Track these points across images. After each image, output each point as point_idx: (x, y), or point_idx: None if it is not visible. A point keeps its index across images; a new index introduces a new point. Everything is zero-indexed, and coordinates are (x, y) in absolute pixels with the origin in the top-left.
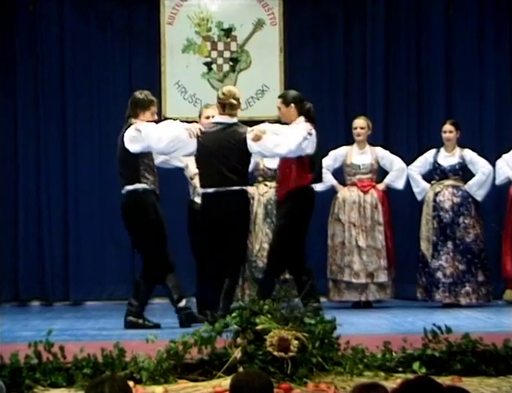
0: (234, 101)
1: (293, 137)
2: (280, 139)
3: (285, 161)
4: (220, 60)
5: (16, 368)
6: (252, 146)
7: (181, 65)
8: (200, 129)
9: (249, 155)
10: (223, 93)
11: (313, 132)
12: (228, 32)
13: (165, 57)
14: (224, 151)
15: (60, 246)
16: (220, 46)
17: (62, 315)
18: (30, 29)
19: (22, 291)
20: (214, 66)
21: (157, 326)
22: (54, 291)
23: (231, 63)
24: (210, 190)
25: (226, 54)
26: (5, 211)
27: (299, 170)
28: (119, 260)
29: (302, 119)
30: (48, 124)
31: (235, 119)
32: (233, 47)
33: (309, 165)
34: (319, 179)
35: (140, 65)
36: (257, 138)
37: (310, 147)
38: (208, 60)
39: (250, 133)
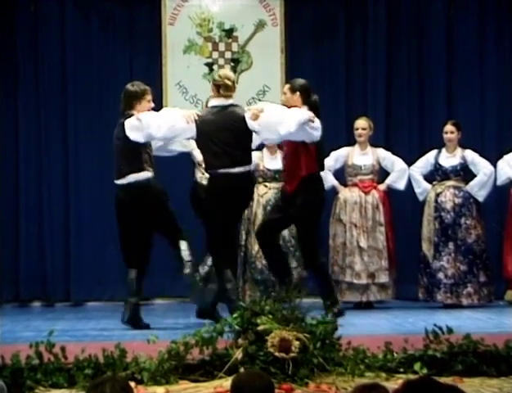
0: (228, 82)
1: (293, 117)
2: (280, 118)
3: (291, 150)
4: (221, 61)
5: (17, 369)
6: (251, 124)
7: (182, 66)
8: (197, 114)
9: (249, 133)
10: (219, 75)
11: (316, 120)
12: (229, 32)
13: (166, 58)
14: (224, 134)
15: (61, 246)
16: (221, 46)
17: (63, 316)
18: (31, 28)
19: (23, 291)
20: (215, 67)
21: (147, 326)
22: (55, 292)
23: (232, 64)
24: (215, 172)
25: (228, 55)
26: (6, 212)
27: (308, 158)
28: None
29: (305, 108)
30: (49, 124)
31: (230, 101)
32: (234, 47)
33: (316, 154)
34: (322, 167)
35: (141, 65)
36: (255, 117)
37: (314, 135)
38: (210, 60)
39: (248, 111)
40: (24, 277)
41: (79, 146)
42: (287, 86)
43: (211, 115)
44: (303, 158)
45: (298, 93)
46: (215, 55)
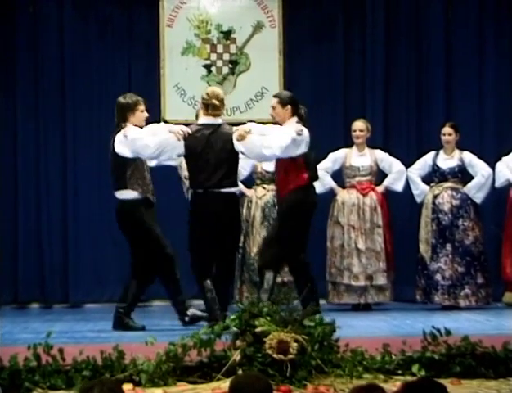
0: (216, 102)
1: (279, 139)
2: (266, 140)
3: (280, 164)
4: (219, 63)
5: (16, 371)
6: (237, 145)
7: (180, 68)
8: (188, 132)
9: (236, 154)
10: (207, 93)
11: (304, 131)
12: (227, 34)
13: (164, 60)
14: (211, 153)
15: (59, 248)
16: (219, 48)
17: (61, 317)
18: (30, 30)
19: (21, 293)
20: (214, 69)
21: (142, 328)
22: (53, 294)
23: (230, 65)
24: (199, 190)
25: (226, 56)
26: (4, 213)
27: (295, 171)
28: (119, 262)
29: (294, 119)
30: (48, 126)
31: (219, 120)
32: (232, 49)
33: (304, 165)
34: (315, 178)
35: (139, 67)
36: (241, 138)
37: (302, 147)
38: (208, 62)
39: (235, 132)
40: (22, 279)
41: (78, 148)
42: (275, 100)
43: (200, 133)
44: (291, 172)
45: (289, 107)
46: (213, 57)
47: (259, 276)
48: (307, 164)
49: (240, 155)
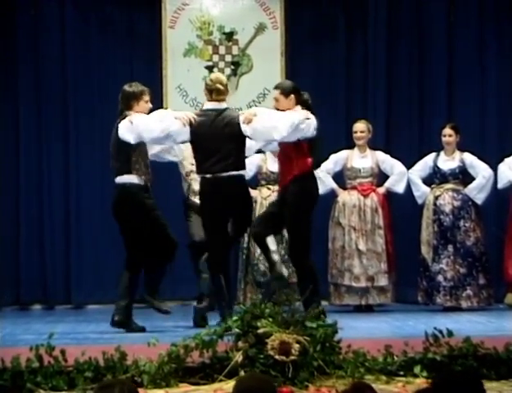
0: (221, 87)
1: (286, 121)
2: (273, 123)
3: (283, 149)
4: (221, 64)
5: (18, 372)
6: (244, 128)
7: (182, 69)
8: (194, 118)
9: (243, 138)
10: (210, 79)
11: (311, 117)
12: (230, 36)
13: (167, 61)
14: (218, 137)
15: (61, 249)
16: (221, 49)
17: (63, 319)
18: (32, 31)
19: (23, 294)
20: (216, 70)
21: (142, 329)
22: (55, 295)
23: (232, 67)
24: (208, 176)
25: (228, 58)
26: (6, 215)
27: (299, 156)
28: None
29: (299, 107)
30: (50, 127)
31: (224, 105)
32: (235, 50)
33: (308, 150)
34: (318, 165)
35: (141, 68)
36: (248, 121)
37: (310, 131)
38: (210, 63)
39: (241, 115)
40: (24, 280)
41: (80, 149)
42: (277, 91)
43: (205, 118)
44: (294, 157)
45: (292, 96)
46: (215, 58)
47: (259, 244)
48: (311, 149)
49: (247, 146)
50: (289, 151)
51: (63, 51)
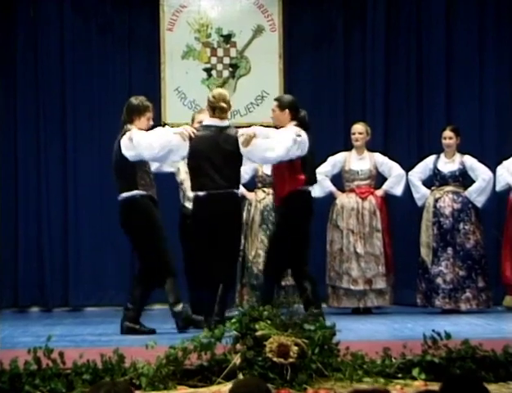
0: (224, 105)
1: (282, 142)
2: (270, 144)
3: (276, 167)
4: (220, 67)
5: (16, 374)
6: (242, 149)
7: (180, 71)
8: (193, 132)
9: (240, 157)
10: (213, 96)
11: (302, 134)
12: (228, 38)
13: (165, 63)
14: (216, 154)
15: (59, 252)
16: (220, 52)
17: (62, 321)
18: (31, 33)
19: (22, 297)
20: (214, 72)
21: (152, 331)
22: (53, 297)
23: (230, 69)
24: (201, 193)
25: (226, 60)
26: (5, 217)
27: (292, 173)
28: (119, 266)
29: (293, 123)
30: (48, 129)
31: (226, 122)
32: (233, 53)
33: (301, 167)
34: (313, 181)
35: (140, 70)
36: (246, 143)
37: (300, 150)
38: (208, 66)
39: (240, 136)
40: (22, 282)
41: (78, 151)
42: (275, 103)
43: (205, 134)
44: (287, 175)
45: (287, 111)
46: (213, 60)
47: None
48: (303, 166)
49: (244, 161)
50: (282, 169)
51: (62, 53)
